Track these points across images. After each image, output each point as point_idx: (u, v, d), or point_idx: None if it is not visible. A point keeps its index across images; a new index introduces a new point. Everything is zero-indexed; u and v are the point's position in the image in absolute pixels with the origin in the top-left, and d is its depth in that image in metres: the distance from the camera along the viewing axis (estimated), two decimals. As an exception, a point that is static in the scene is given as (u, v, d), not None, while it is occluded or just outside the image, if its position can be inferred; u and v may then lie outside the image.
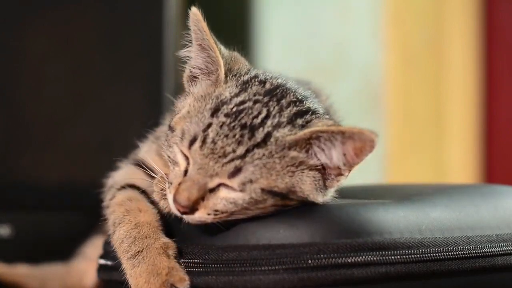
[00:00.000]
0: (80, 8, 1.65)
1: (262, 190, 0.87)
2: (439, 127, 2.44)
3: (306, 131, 0.88)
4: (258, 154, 0.87)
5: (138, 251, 0.91)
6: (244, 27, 2.39)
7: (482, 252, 0.93)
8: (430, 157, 2.44)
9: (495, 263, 0.94)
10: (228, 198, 0.88)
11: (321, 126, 0.88)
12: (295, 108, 0.91)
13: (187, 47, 0.97)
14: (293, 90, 0.95)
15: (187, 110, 0.93)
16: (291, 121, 0.90)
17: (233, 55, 0.98)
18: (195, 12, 0.93)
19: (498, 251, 0.94)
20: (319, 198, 0.91)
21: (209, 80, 0.95)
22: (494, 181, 2.40)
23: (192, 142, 0.89)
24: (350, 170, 0.91)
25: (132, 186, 1.01)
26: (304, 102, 0.94)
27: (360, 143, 0.87)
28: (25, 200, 1.61)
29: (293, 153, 0.89)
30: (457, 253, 0.91)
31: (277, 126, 0.89)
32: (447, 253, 0.91)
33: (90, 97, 1.65)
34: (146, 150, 1.05)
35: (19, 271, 1.37)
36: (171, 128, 0.94)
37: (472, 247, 0.93)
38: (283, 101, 0.92)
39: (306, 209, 0.90)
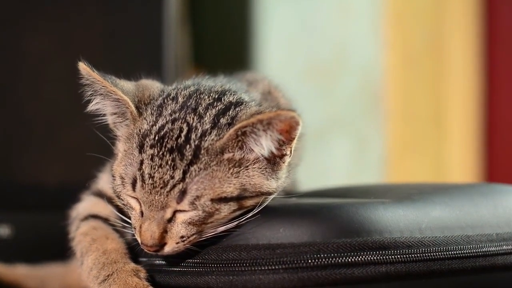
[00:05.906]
0: (80, 8, 1.65)
1: (212, 200, 0.87)
2: (439, 127, 2.44)
3: (231, 131, 0.88)
4: (195, 171, 0.87)
5: (108, 275, 0.91)
6: (244, 27, 2.39)
7: (482, 251, 0.93)
8: (430, 157, 2.44)
9: (495, 262, 0.94)
10: (186, 220, 0.88)
11: (242, 121, 0.88)
12: (214, 110, 0.91)
13: (93, 101, 0.96)
14: (208, 92, 0.94)
15: (121, 155, 0.93)
16: (215, 124, 0.89)
17: (140, 85, 0.98)
18: (83, 67, 0.93)
19: (498, 250, 0.95)
20: (273, 185, 0.91)
21: (127, 119, 0.95)
22: (494, 181, 2.40)
23: (133, 184, 0.89)
24: (290, 148, 0.90)
25: (95, 216, 1.02)
26: (223, 99, 0.93)
27: (282, 124, 0.87)
28: (25, 200, 1.61)
29: (228, 155, 0.88)
30: (457, 252, 0.91)
31: (203, 135, 0.88)
32: (447, 252, 0.91)
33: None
34: (106, 180, 1.05)
35: (19, 271, 1.37)
36: (112, 176, 0.94)
37: (472, 246, 0.93)
38: (200, 108, 0.91)
39: (306, 208, 0.90)
